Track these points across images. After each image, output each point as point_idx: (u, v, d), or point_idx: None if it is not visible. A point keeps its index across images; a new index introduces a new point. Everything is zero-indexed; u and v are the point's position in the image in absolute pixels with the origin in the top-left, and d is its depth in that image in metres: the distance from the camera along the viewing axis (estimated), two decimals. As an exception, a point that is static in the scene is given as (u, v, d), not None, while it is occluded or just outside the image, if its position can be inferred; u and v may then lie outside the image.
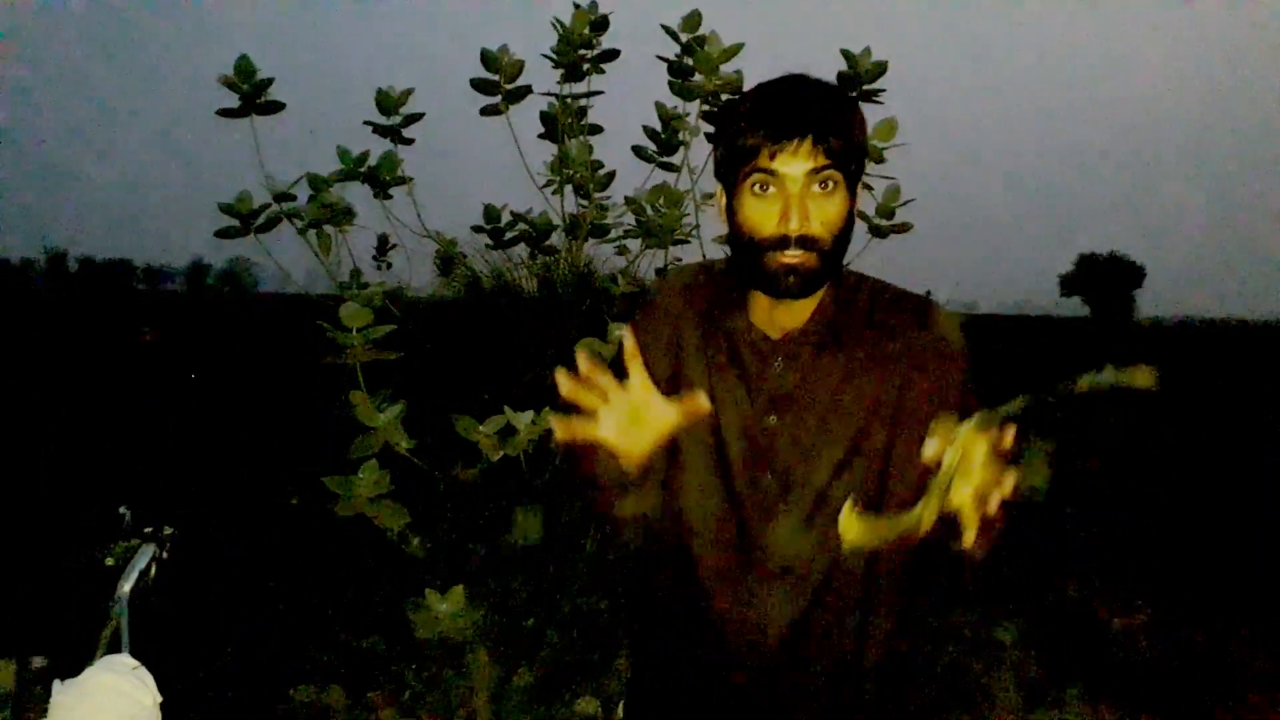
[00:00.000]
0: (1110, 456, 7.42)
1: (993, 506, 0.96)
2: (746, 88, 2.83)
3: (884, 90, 2.81)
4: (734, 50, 2.79)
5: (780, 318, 1.24)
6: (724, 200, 1.24)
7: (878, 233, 2.88)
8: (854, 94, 2.80)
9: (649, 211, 2.88)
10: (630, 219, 2.99)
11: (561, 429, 1.09)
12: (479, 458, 2.58)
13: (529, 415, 2.50)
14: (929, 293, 1.33)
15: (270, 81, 2.74)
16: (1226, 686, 3.33)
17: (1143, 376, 0.90)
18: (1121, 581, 4.30)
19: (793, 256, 1.15)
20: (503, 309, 3.11)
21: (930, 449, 0.96)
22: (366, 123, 2.92)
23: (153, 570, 1.41)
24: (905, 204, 2.85)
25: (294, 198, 2.81)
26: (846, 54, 2.80)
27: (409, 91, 2.91)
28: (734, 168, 1.18)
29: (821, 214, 1.16)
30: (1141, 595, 4.14)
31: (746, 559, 1.26)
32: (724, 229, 1.25)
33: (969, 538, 0.98)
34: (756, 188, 1.16)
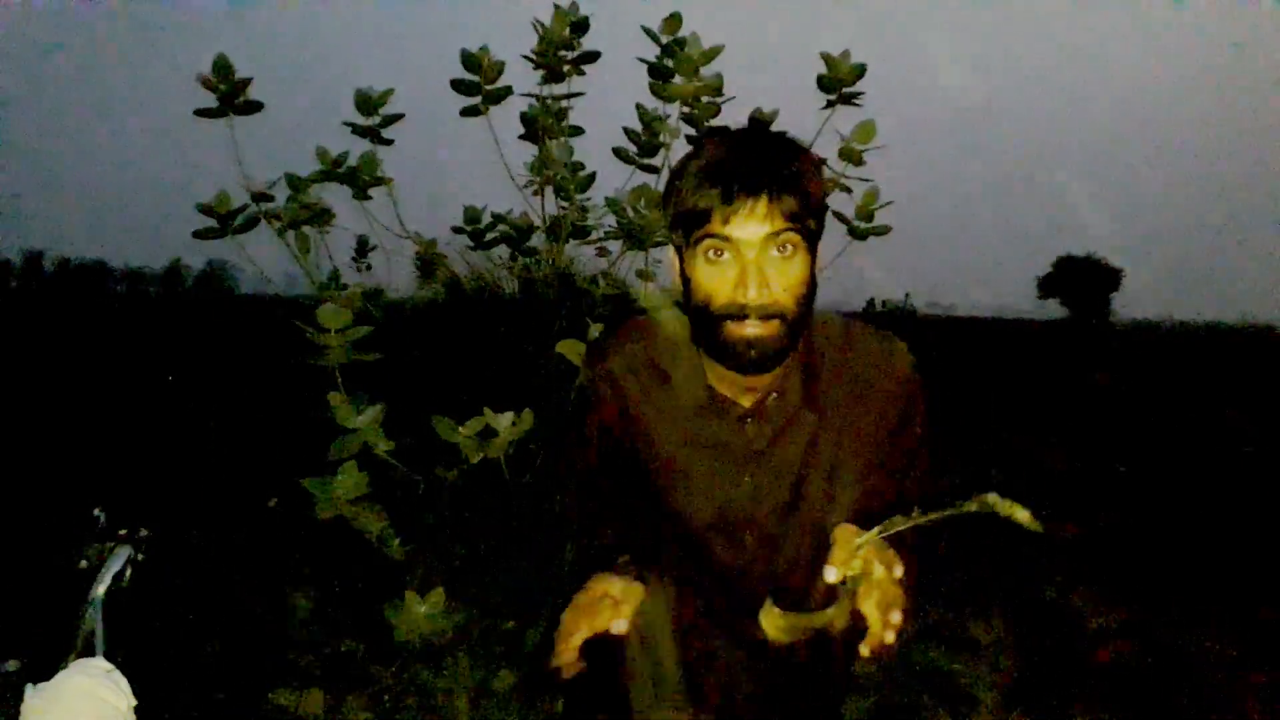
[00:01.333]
0: (1087, 456, 7.49)
1: (892, 630, 0.98)
2: (726, 90, 2.87)
3: (863, 93, 2.83)
4: (714, 52, 2.80)
5: (746, 381, 1.16)
6: (676, 262, 1.15)
7: (856, 235, 2.89)
8: (832, 100, 2.82)
9: (629, 213, 2.88)
10: (611, 220, 3.00)
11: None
12: (459, 459, 2.58)
13: (509, 417, 2.49)
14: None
15: (248, 81, 2.72)
16: (1202, 686, 3.37)
17: (1024, 514, 0.97)
18: (1099, 581, 4.34)
19: (753, 329, 1.06)
20: (483, 310, 3.10)
21: (832, 571, 0.98)
22: (345, 123, 2.91)
23: (128, 572, 1.40)
24: (884, 206, 2.86)
25: (272, 198, 2.80)
26: (826, 57, 2.81)
27: (389, 92, 2.90)
28: (686, 231, 1.09)
29: (782, 279, 1.07)
30: (1119, 595, 4.18)
31: (730, 630, 1.22)
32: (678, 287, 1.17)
33: (873, 642, 0.99)
34: (710, 253, 1.08)
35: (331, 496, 2.42)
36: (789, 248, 1.07)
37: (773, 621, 1.02)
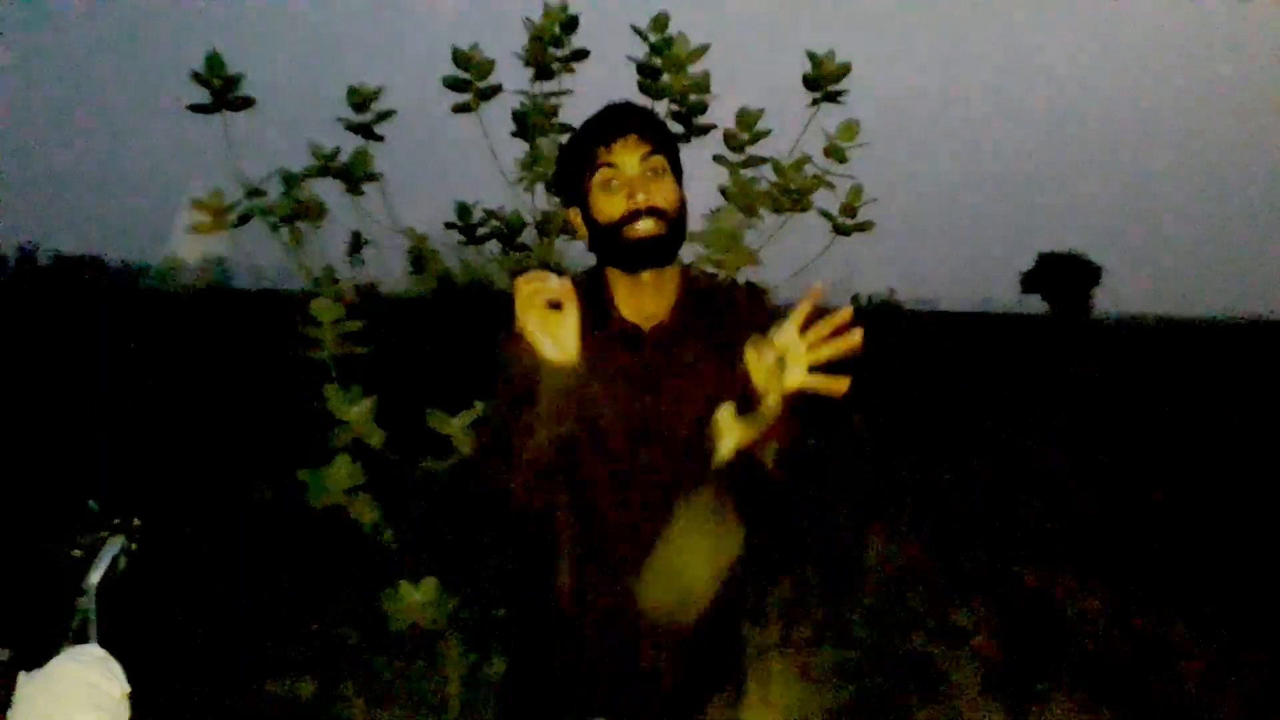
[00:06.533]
0: (1067, 448, 7.52)
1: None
2: (714, 88, 2.86)
3: (846, 91, 2.83)
4: (701, 51, 2.80)
5: (646, 306, 1.41)
6: (579, 218, 1.41)
7: (841, 231, 2.90)
8: (817, 98, 2.82)
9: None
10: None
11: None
12: (451, 450, 2.58)
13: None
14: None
15: (241, 77, 2.71)
16: (1183, 673, 3.39)
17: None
18: (1079, 568, 4.37)
19: (644, 227, 1.33)
20: (475, 304, 3.10)
21: (762, 355, 1.16)
22: (338, 119, 2.90)
23: (122, 561, 1.40)
24: (868, 203, 2.87)
25: (265, 194, 2.79)
26: (811, 55, 2.81)
27: (380, 89, 2.89)
28: (580, 177, 1.37)
29: (660, 191, 1.35)
30: (1099, 582, 4.21)
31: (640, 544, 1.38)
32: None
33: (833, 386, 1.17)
34: (602, 185, 1.36)
35: (325, 486, 2.42)
36: (660, 169, 1.37)
37: (730, 426, 1.20)
